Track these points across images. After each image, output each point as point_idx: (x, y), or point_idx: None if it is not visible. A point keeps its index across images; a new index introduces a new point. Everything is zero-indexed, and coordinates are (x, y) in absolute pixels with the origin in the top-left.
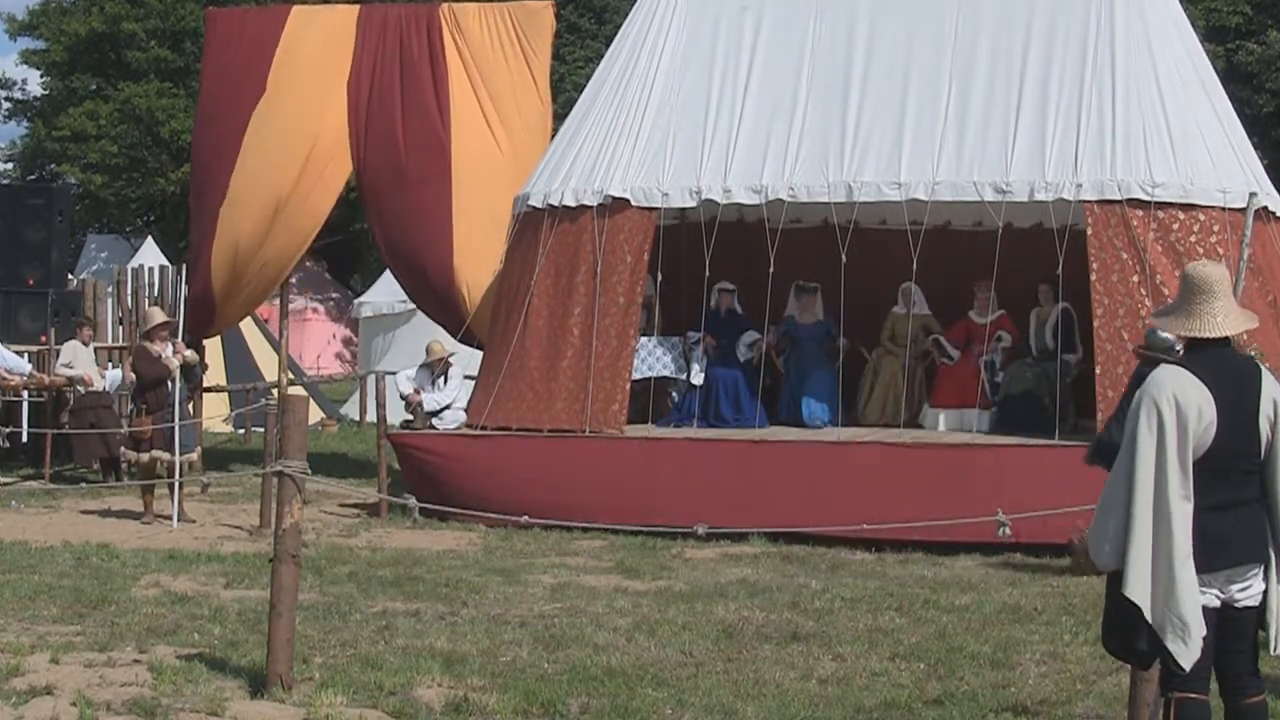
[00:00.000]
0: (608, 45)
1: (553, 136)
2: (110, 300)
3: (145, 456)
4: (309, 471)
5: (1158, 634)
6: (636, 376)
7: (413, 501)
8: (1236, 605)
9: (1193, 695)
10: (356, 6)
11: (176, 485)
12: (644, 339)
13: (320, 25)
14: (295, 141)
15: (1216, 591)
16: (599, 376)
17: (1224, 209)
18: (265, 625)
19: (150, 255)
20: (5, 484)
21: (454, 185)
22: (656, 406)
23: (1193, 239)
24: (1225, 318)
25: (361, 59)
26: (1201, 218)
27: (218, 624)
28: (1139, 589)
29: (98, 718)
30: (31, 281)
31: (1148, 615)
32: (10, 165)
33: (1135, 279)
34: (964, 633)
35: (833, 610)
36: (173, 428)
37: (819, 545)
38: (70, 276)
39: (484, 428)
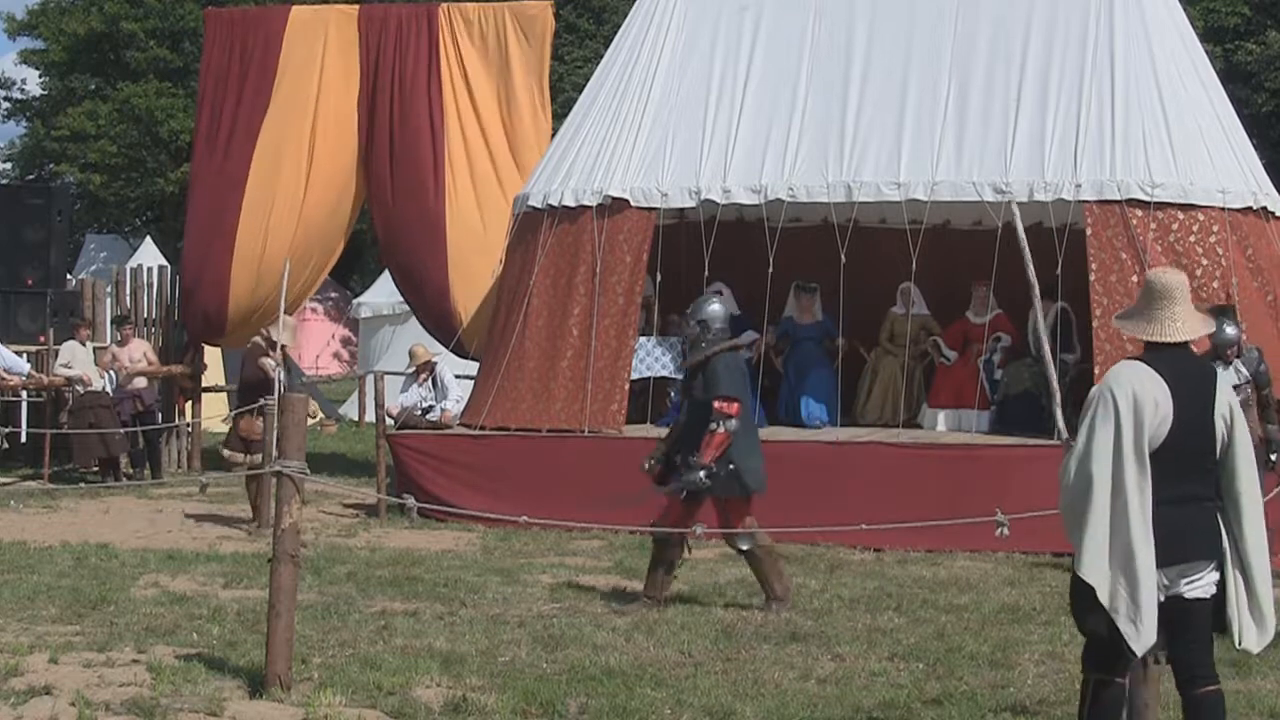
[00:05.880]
0: (607, 45)
1: (552, 136)
2: (109, 300)
3: (257, 458)
4: (307, 471)
5: (1111, 616)
6: (635, 376)
7: (411, 501)
8: (1185, 597)
9: (1112, 678)
10: (356, 7)
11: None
12: (643, 339)
13: (321, 26)
14: (307, 152)
15: (1163, 586)
16: (598, 376)
17: (1224, 209)
18: (264, 625)
19: (149, 255)
20: (4, 484)
21: (448, 203)
22: (656, 406)
23: (1192, 239)
24: (1184, 323)
25: (366, 64)
26: (1201, 218)
27: (216, 624)
28: (1095, 572)
29: (96, 718)
30: (30, 281)
31: (1102, 597)
32: (9, 165)
33: (1134, 279)
34: (963, 633)
35: (831, 610)
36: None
37: (818, 545)
38: (69, 276)
39: (483, 428)
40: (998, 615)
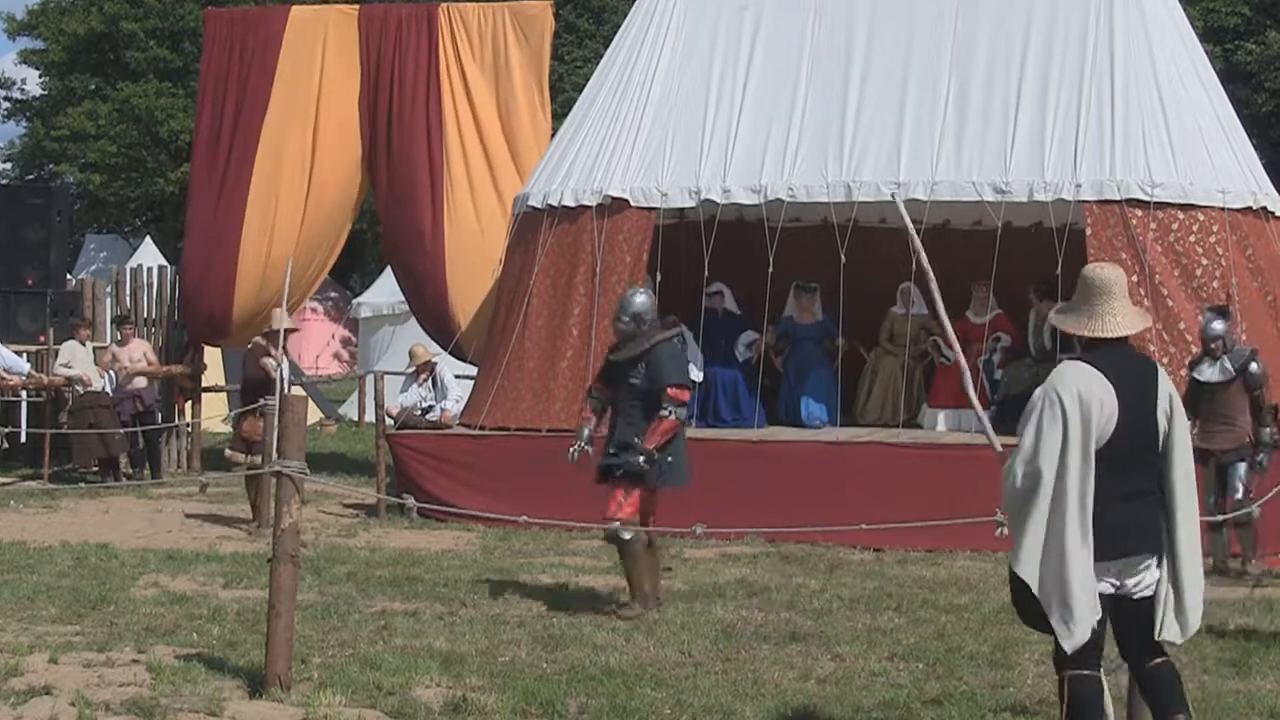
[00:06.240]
0: (606, 45)
1: (552, 137)
2: (109, 300)
3: (258, 459)
4: (307, 471)
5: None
6: None
7: (411, 501)
8: (1133, 598)
9: (1084, 672)
10: (356, 7)
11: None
12: None
13: (321, 26)
14: (309, 153)
15: (1112, 580)
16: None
17: (1223, 209)
18: (264, 625)
19: (149, 255)
20: (4, 484)
21: (446, 205)
22: None
23: (1192, 239)
24: (1123, 318)
25: (366, 64)
26: (1201, 218)
27: (216, 624)
28: (1028, 567)
29: (96, 718)
30: (30, 281)
31: (1035, 592)
32: (9, 165)
33: (1134, 279)
34: (963, 633)
35: (831, 610)
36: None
37: (818, 545)
38: (69, 276)
39: (483, 428)
40: (998, 615)
